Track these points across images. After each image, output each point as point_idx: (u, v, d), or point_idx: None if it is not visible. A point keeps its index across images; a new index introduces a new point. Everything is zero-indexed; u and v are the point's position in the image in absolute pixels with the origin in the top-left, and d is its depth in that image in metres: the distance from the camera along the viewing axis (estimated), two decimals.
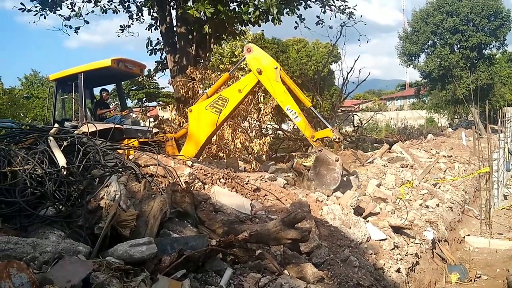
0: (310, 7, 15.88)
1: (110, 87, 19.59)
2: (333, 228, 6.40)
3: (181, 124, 12.69)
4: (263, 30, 27.05)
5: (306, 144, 19.90)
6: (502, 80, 48.71)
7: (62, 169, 4.59)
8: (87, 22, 16.82)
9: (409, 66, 48.70)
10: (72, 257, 3.28)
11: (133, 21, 16.68)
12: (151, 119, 17.43)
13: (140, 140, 9.80)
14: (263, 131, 17.44)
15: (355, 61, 22.31)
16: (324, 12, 16.92)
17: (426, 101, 56.00)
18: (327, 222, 6.55)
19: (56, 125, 5.46)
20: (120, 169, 5.18)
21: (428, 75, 46.82)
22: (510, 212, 12.31)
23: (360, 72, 24.88)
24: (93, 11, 16.83)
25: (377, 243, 6.77)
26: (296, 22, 16.57)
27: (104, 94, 12.22)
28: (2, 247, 3.23)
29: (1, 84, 36.27)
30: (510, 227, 10.65)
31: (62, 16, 16.72)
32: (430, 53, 45.81)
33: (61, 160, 4.68)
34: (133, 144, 8.87)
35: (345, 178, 9.54)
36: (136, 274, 3.41)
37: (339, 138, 9.82)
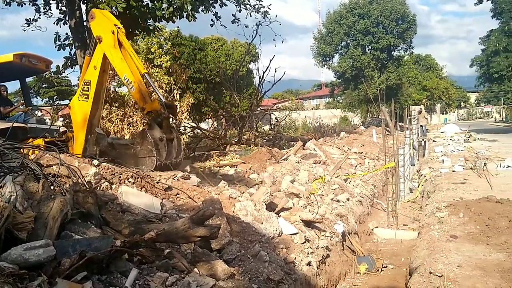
0: (226, 5, 15.88)
1: (14, 84, 18.49)
2: (245, 224, 6.45)
3: None
4: (178, 27, 26.68)
5: (224, 142, 19.99)
6: (410, 81, 51.83)
7: None
8: None
9: (324, 66, 50.57)
10: None
11: (40, 15, 15.77)
12: (61, 118, 16.67)
13: (46, 139, 9.32)
14: (181, 130, 17.25)
15: (271, 60, 22.76)
16: (240, 10, 16.97)
17: (340, 100, 58.26)
18: (239, 219, 6.59)
19: None
20: (18, 169, 4.88)
21: (341, 75, 48.81)
22: (415, 204, 13.07)
23: (276, 71, 25.51)
24: None
25: (288, 237, 6.91)
26: (212, 20, 16.49)
27: (2, 89, 11.45)
28: None
29: None
30: (414, 219, 11.29)
31: None
32: (343, 54, 47.80)
33: None
34: (38, 144, 8.41)
35: (180, 159, 9.08)
36: (31, 278, 3.24)
37: (167, 113, 8.88)
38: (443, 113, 74.92)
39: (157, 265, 4.35)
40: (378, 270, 8.21)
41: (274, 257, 5.92)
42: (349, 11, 45.90)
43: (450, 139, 26.69)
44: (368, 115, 51.43)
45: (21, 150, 5.66)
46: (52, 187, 4.94)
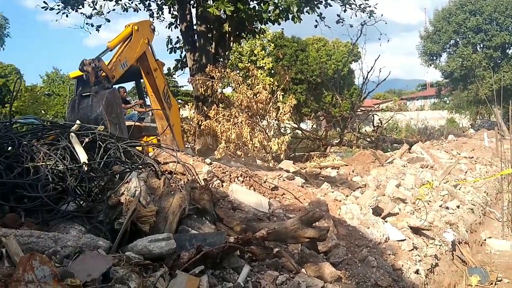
0: (331, 5, 15.79)
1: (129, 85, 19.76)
2: (351, 227, 6.38)
3: (200, 122, 12.74)
4: (282, 29, 26.95)
5: (325, 144, 19.85)
6: None
7: (84, 165, 4.66)
8: (108, 20, 17.01)
9: (430, 66, 48.14)
10: (92, 252, 3.33)
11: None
12: None
13: (158, 137, 9.86)
14: (282, 130, 17.42)
15: (376, 60, 22.18)
16: (345, 10, 16.79)
17: (448, 102, 55.28)
18: (345, 222, 6.53)
19: (77, 121, 5.53)
20: (140, 166, 5.23)
21: (449, 75, 46.20)
22: None
23: (380, 71, 24.80)
24: (114, 10, 17.03)
25: (395, 243, 6.73)
26: (316, 20, 16.47)
27: (122, 91, 12.31)
28: (25, 241, 3.30)
29: (23, 82, 36.79)
30: None
31: (84, 14, 16.96)
32: (452, 52, 45.23)
33: (83, 156, 4.75)
34: (152, 142, 8.93)
35: None
36: (155, 269, 3.45)
37: None
38: None
39: (267, 263, 4.42)
40: (491, 283, 7.70)
41: (381, 262, 5.79)
42: (459, 7, 43.34)
43: None
44: (478, 117, 48.32)
45: (142, 148, 6.05)
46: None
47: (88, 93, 6.60)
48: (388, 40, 20.83)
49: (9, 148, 4.85)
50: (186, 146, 11.04)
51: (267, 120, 13.99)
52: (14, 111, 28.54)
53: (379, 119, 25.12)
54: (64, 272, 2.86)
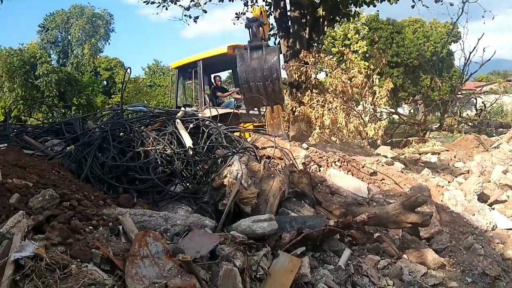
0: None
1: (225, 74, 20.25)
2: (455, 214, 6.11)
3: (294, 109, 12.77)
4: (377, 11, 26.14)
5: (424, 129, 19.05)
6: None
7: (189, 150, 4.91)
8: (205, 11, 17.52)
9: None
10: (200, 230, 3.52)
11: (247, 9, 17.02)
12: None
13: (254, 124, 10.04)
14: (378, 115, 16.97)
15: (479, 39, 20.70)
16: None
17: None
18: (448, 208, 6.27)
19: (182, 108, 5.82)
20: (241, 150, 5.40)
21: None
22: None
23: (484, 51, 22.96)
24: (210, 0, 17.50)
25: (504, 232, 6.34)
26: (413, 1, 15.76)
27: (217, 80, 12.66)
28: (138, 219, 3.56)
29: (129, 75, 39.12)
30: None
31: (182, 6, 17.62)
32: None
33: (188, 141, 5.00)
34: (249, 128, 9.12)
35: None
36: (258, 248, 3.57)
37: None
38: None
39: (368, 248, 4.40)
40: None
41: (489, 251, 5.49)
42: None
43: None
44: None
45: (239, 133, 6.23)
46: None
47: (259, 44, 6.83)
48: (493, 18, 19.47)
49: (121, 134, 5.23)
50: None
51: (363, 105, 13.69)
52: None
53: (483, 102, 23.54)
54: (175, 248, 3.06)
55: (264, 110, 9.59)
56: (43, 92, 35.90)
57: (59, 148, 4.94)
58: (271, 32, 16.23)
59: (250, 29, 7.01)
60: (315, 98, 12.44)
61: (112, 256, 2.81)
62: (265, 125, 10.14)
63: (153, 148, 4.83)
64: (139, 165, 4.65)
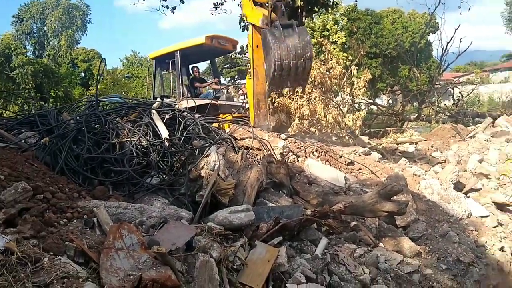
0: None
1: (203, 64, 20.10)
2: (431, 202, 6.20)
3: (273, 100, 12.76)
4: (356, 1, 26.19)
5: (402, 119, 19.24)
6: None
7: (165, 141, 4.86)
8: (183, 2, 17.30)
9: None
10: (176, 222, 3.50)
11: None
12: (242, 97, 17.69)
13: (234, 115, 10.00)
14: (356, 106, 17.05)
15: (456, 29, 20.93)
16: None
17: None
18: (424, 197, 6.36)
19: (158, 99, 5.75)
20: (218, 141, 5.37)
21: None
22: None
23: (460, 41, 23.16)
24: None
25: (478, 219, 6.47)
26: None
27: (195, 70, 12.55)
28: (113, 211, 3.53)
29: (105, 66, 38.56)
30: None
31: None
32: None
33: (164, 132, 4.96)
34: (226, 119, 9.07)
35: None
36: (235, 239, 3.57)
37: None
38: None
39: (344, 237, 4.44)
40: None
41: (463, 238, 5.60)
42: None
43: None
44: None
45: (218, 124, 6.20)
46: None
47: (290, 23, 6.72)
48: (469, 8, 19.64)
49: (96, 125, 5.16)
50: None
51: (341, 96, 13.73)
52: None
53: (460, 93, 23.87)
54: (151, 240, 3.04)
55: (244, 100, 9.54)
56: (19, 84, 35.22)
57: (33, 140, 4.85)
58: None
59: (277, 8, 6.89)
60: (294, 89, 12.43)
61: (86, 249, 2.78)
62: (244, 116, 10.09)
63: (128, 139, 4.77)
64: (114, 157, 4.60)
